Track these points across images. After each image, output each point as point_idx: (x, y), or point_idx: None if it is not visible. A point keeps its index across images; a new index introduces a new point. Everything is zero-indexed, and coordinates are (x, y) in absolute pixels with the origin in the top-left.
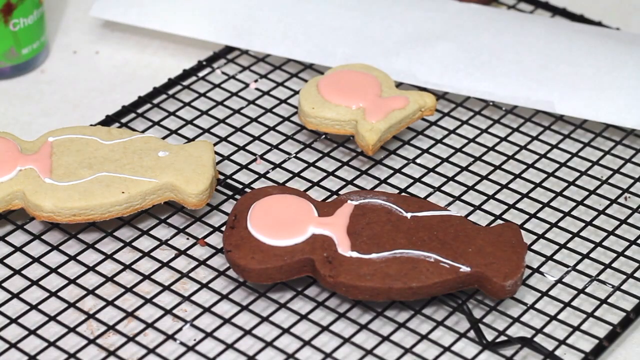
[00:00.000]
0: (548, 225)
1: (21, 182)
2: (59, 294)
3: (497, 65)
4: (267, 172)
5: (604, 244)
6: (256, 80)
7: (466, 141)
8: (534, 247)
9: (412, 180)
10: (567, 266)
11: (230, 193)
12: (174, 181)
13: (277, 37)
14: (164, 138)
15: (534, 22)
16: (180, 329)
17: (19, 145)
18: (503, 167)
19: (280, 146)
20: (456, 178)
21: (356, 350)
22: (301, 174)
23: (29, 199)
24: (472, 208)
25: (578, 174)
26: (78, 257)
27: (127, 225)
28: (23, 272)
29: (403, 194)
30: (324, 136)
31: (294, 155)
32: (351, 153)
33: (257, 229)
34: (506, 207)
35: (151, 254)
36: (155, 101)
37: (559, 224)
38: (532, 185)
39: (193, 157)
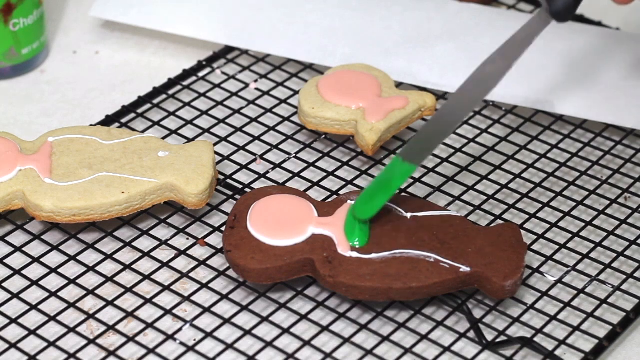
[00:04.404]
0: (548, 225)
1: (21, 182)
2: (59, 294)
3: None
4: (267, 172)
5: (603, 244)
6: (256, 80)
7: (466, 141)
8: (534, 247)
9: (412, 180)
10: (567, 266)
11: (230, 193)
12: (174, 181)
13: (277, 37)
14: (164, 138)
15: None
16: (180, 329)
17: (19, 145)
18: (503, 167)
19: (280, 146)
20: (456, 178)
21: (356, 350)
22: (301, 174)
23: (29, 199)
24: (472, 208)
25: (578, 174)
26: (78, 257)
27: (127, 225)
28: (23, 272)
29: (403, 194)
30: (324, 136)
31: (294, 155)
32: (351, 153)
33: (257, 229)
34: (506, 207)
35: (151, 254)
36: (155, 101)
37: (559, 224)
38: (532, 185)
39: (193, 157)
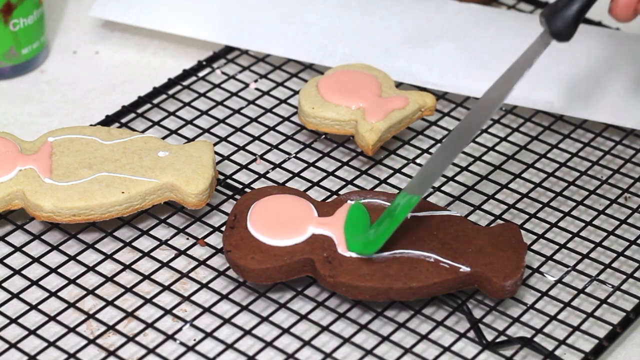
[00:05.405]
0: (548, 225)
1: (21, 182)
2: (58, 294)
3: (497, 65)
4: (267, 172)
5: (603, 244)
6: (256, 80)
7: None
8: (534, 247)
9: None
10: (567, 266)
11: (230, 193)
12: (174, 181)
13: (277, 37)
14: (164, 138)
15: (534, 22)
16: (180, 329)
17: (19, 145)
18: (503, 167)
19: (280, 146)
20: (456, 178)
21: (356, 350)
22: (301, 174)
23: (29, 199)
24: (472, 208)
25: (578, 174)
26: (78, 257)
27: (127, 225)
28: (23, 272)
29: None
30: (324, 136)
31: (294, 155)
32: (351, 153)
33: (257, 229)
34: (506, 207)
35: (151, 254)
36: (155, 101)
37: (559, 224)
38: (532, 185)
39: (193, 157)
